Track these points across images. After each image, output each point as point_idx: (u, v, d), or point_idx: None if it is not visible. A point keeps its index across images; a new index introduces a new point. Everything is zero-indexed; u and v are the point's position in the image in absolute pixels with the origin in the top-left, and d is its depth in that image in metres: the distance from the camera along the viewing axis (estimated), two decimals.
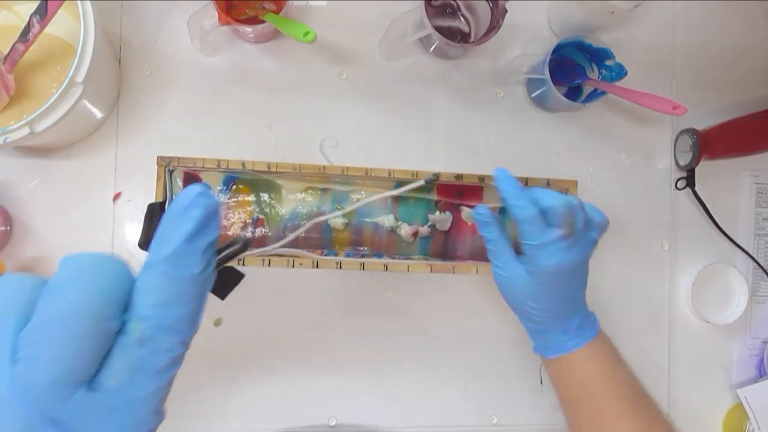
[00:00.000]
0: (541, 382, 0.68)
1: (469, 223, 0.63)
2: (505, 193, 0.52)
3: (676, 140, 0.71)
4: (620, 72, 0.63)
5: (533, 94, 0.68)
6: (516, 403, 0.68)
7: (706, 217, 0.71)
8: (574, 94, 0.68)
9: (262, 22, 0.58)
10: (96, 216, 0.63)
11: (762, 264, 0.72)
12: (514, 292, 0.54)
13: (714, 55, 0.73)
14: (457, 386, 0.68)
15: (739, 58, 0.73)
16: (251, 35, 0.63)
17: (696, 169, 0.69)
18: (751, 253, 0.72)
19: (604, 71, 0.65)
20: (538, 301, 0.52)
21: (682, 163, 0.70)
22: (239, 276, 0.64)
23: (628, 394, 0.53)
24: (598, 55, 0.65)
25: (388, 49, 0.65)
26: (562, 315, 0.53)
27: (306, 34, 0.55)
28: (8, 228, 0.61)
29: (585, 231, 0.53)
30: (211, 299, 0.64)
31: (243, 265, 0.57)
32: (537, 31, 0.69)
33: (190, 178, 0.60)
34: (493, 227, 0.54)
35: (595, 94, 0.65)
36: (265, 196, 0.61)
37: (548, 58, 0.62)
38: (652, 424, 0.52)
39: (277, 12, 0.59)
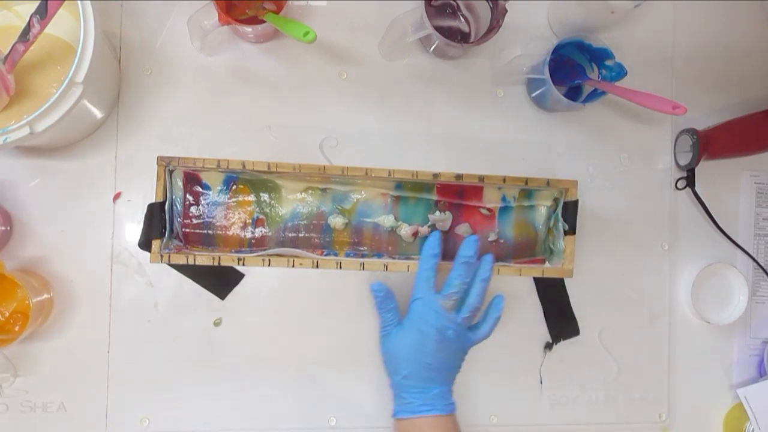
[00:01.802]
0: (541, 382, 0.68)
1: (465, 236, 0.63)
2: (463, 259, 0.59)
3: (676, 140, 0.71)
4: (620, 72, 0.63)
5: (533, 94, 0.68)
6: (516, 403, 0.68)
7: (706, 217, 0.71)
8: (574, 94, 0.68)
9: (262, 22, 0.58)
10: (96, 216, 0.63)
11: (762, 264, 0.72)
12: (395, 350, 0.59)
13: (714, 55, 0.73)
14: (457, 386, 0.67)
15: (739, 58, 0.73)
16: (251, 35, 0.63)
17: (696, 169, 0.69)
18: (751, 253, 0.72)
19: (604, 71, 0.65)
20: (413, 355, 0.58)
21: (682, 163, 0.70)
22: (239, 276, 0.65)
23: None
24: (598, 55, 0.65)
25: (388, 49, 0.65)
26: (428, 379, 0.58)
27: (306, 34, 0.55)
28: (8, 228, 0.61)
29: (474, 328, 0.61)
30: (212, 299, 0.65)
31: (243, 265, 0.57)
32: (537, 31, 0.69)
33: (190, 178, 0.60)
34: (392, 301, 0.61)
35: (595, 94, 0.65)
36: (265, 196, 0.61)
37: (548, 58, 0.62)
38: None
39: (277, 12, 0.59)
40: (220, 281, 0.64)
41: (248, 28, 0.59)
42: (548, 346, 0.68)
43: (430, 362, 0.57)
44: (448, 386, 0.59)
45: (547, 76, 0.62)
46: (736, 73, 0.73)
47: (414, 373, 0.57)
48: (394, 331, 0.60)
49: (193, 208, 0.60)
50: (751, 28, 0.73)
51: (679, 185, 0.71)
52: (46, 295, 0.60)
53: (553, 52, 0.62)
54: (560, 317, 0.68)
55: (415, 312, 0.58)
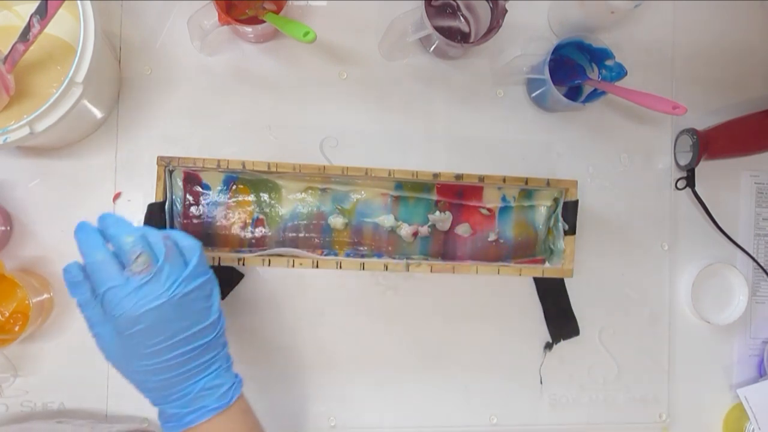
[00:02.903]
0: (541, 382, 0.68)
1: (465, 236, 0.63)
2: (79, 244, 0.46)
3: (676, 140, 0.71)
4: (620, 72, 0.63)
5: (533, 94, 0.68)
6: (516, 403, 0.68)
7: (706, 217, 0.71)
8: (574, 94, 0.68)
9: (262, 22, 0.58)
10: (96, 216, 0.63)
11: (762, 264, 0.72)
12: (112, 355, 0.46)
13: (714, 55, 0.73)
14: (457, 386, 0.67)
15: (739, 58, 0.73)
16: (251, 35, 0.63)
17: (696, 169, 0.69)
18: (751, 253, 0.72)
19: (604, 71, 0.65)
20: (139, 360, 0.45)
21: (682, 163, 0.70)
22: (239, 276, 0.65)
23: None
24: (598, 55, 0.65)
25: (389, 49, 0.65)
26: (181, 375, 0.45)
27: (306, 34, 0.55)
28: (8, 228, 0.61)
29: (174, 264, 0.45)
30: None
31: (243, 265, 0.57)
32: (537, 31, 0.69)
33: (190, 178, 0.60)
34: (84, 287, 0.45)
35: (595, 94, 0.65)
36: (265, 196, 0.61)
37: (548, 58, 0.62)
38: None
39: (277, 12, 0.59)
40: (220, 281, 0.64)
41: (248, 28, 0.59)
42: (548, 346, 0.68)
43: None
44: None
45: (547, 76, 0.62)
46: (736, 73, 0.73)
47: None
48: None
49: (193, 208, 0.60)
50: (751, 28, 0.73)
51: (679, 185, 0.71)
52: (46, 295, 0.60)
53: (553, 52, 0.62)
54: (560, 317, 0.68)
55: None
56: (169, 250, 0.45)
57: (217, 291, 0.49)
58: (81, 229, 0.46)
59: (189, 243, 0.48)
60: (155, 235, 0.46)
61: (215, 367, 0.47)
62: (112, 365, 0.47)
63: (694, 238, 0.72)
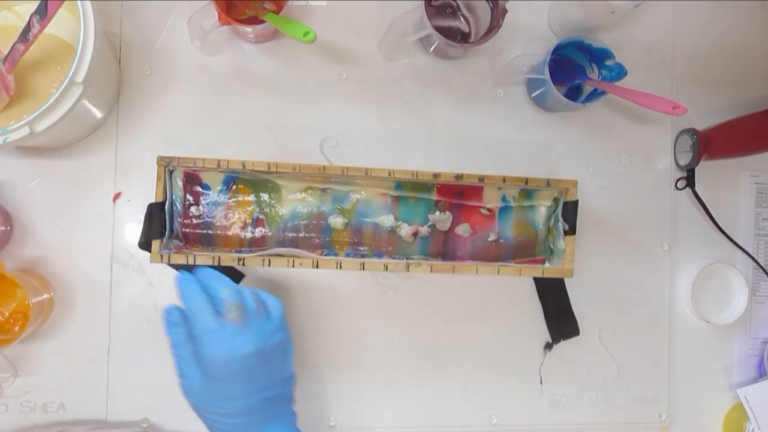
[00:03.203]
0: (541, 382, 0.68)
1: (465, 236, 0.63)
2: (180, 291, 0.51)
3: (676, 140, 0.71)
4: (620, 72, 0.63)
5: (533, 94, 0.68)
6: (516, 403, 0.68)
7: (706, 217, 0.71)
8: (574, 94, 0.68)
9: (262, 22, 0.58)
10: (96, 216, 0.63)
11: (762, 264, 0.72)
12: (194, 395, 0.49)
13: (714, 55, 0.73)
14: (457, 386, 0.67)
15: (739, 58, 0.73)
16: (251, 35, 0.63)
17: (696, 169, 0.69)
18: (751, 253, 0.72)
19: (604, 71, 0.65)
20: (221, 403, 0.48)
21: (682, 163, 0.70)
22: (239, 276, 0.65)
23: None
24: (598, 55, 0.65)
25: (389, 49, 0.65)
26: (253, 422, 0.49)
27: (306, 34, 0.55)
28: (8, 228, 0.61)
29: (261, 317, 0.51)
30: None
31: (243, 265, 0.57)
32: (537, 31, 0.69)
33: (190, 178, 0.60)
34: (180, 329, 0.50)
35: (595, 94, 0.65)
36: (265, 196, 0.61)
37: (548, 58, 0.62)
38: None
39: (277, 12, 0.59)
40: None
41: (248, 28, 0.59)
42: (548, 346, 0.68)
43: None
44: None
45: (547, 76, 0.62)
46: (736, 73, 0.73)
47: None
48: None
49: (193, 208, 0.60)
50: (751, 28, 0.73)
51: (679, 185, 0.71)
52: (46, 295, 0.60)
53: (553, 52, 0.62)
54: (560, 317, 0.68)
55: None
56: (258, 305, 0.51)
57: (292, 349, 0.54)
58: (182, 278, 0.51)
59: (272, 301, 0.53)
60: (246, 290, 0.52)
61: (283, 420, 0.51)
62: (190, 403, 0.51)
63: (694, 238, 0.72)
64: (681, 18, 0.72)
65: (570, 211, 0.61)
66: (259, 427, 0.49)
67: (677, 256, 0.71)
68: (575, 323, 0.68)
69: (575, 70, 0.67)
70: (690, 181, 0.70)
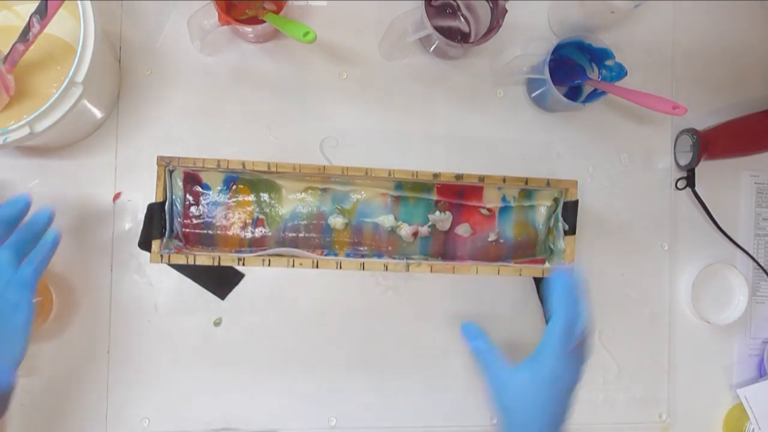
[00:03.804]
0: None
1: (465, 236, 0.63)
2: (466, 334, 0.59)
3: (676, 140, 0.71)
4: (620, 72, 0.63)
5: (533, 94, 0.68)
6: None
7: (706, 217, 0.71)
8: (574, 94, 0.68)
9: (262, 22, 0.58)
10: (96, 216, 0.63)
11: (762, 264, 0.72)
12: (512, 399, 0.52)
13: (714, 55, 0.73)
14: (457, 386, 0.67)
15: (739, 58, 0.73)
16: (251, 35, 0.63)
17: (696, 169, 0.69)
18: (751, 253, 0.72)
19: (604, 71, 0.65)
20: (533, 408, 0.51)
21: (682, 163, 0.70)
22: (239, 275, 0.65)
23: None
24: (598, 55, 0.65)
25: (389, 49, 0.65)
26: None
27: (306, 34, 0.55)
28: None
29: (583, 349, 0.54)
30: (211, 299, 0.65)
31: (243, 265, 0.57)
32: (537, 31, 0.69)
33: (190, 178, 0.60)
34: (483, 339, 0.57)
35: (595, 94, 0.65)
36: (265, 196, 0.61)
37: (548, 58, 0.62)
38: None
39: (277, 12, 0.59)
40: (220, 281, 0.64)
41: (248, 28, 0.59)
42: None
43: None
44: None
45: (547, 76, 0.62)
46: (736, 73, 0.73)
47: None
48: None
49: (193, 208, 0.60)
50: (751, 28, 0.73)
51: (679, 185, 0.71)
52: (46, 296, 0.60)
53: (553, 52, 0.62)
54: None
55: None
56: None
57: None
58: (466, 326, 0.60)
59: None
60: None
61: None
62: (502, 409, 0.54)
63: (694, 238, 0.72)
64: (681, 18, 0.72)
65: (570, 211, 0.61)
66: None
67: (677, 256, 0.71)
68: None
69: (575, 70, 0.67)
70: (690, 181, 0.70)
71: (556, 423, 0.51)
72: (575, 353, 0.52)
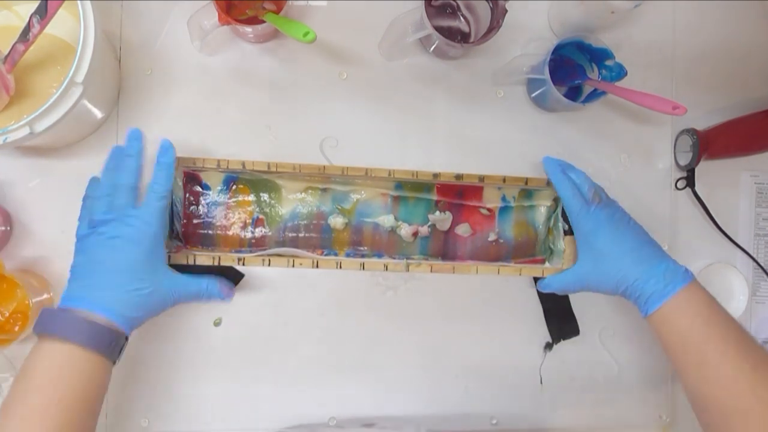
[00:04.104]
0: (541, 382, 0.68)
1: (465, 236, 0.63)
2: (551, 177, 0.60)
3: (676, 140, 0.71)
4: (620, 72, 0.63)
5: (533, 94, 0.68)
6: (516, 403, 0.68)
7: (706, 217, 0.71)
8: (574, 94, 0.68)
9: (262, 22, 0.58)
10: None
11: (762, 264, 0.72)
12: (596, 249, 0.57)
13: (714, 55, 0.73)
14: (458, 387, 0.67)
15: (739, 58, 0.73)
16: (251, 35, 0.63)
17: (696, 169, 0.69)
18: (751, 253, 0.72)
19: (604, 71, 0.65)
20: (612, 246, 0.57)
21: (682, 163, 0.70)
22: (239, 276, 0.65)
23: (731, 335, 0.52)
24: (598, 55, 0.65)
25: (389, 49, 0.65)
26: (641, 260, 0.56)
27: (306, 34, 0.55)
28: (8, 228, 0.61)
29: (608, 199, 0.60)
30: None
31: (243, 264, 0.57)
32: (537, 32, 0.69)
33: (190, 178, 0.60)
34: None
35: (595, 94, 0.65)
36: (265, 196, 0.61)
37: (548, 58, 0.62)
38: (760, 363, 0.51)
39: (277, 12, 0.59)
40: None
41: (248, 28, 0.59)
42: (548, 347, 0.68)
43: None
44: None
45: (547, 76, 0.62)
46: (736, 73, 0.73)
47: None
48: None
49: (193, 208, 0.60)
50: (752, 28, 0.73)
51: (679, 185, 0.71)
52: (46, 295, 0.60)
53: (553, 52, 0.62)
54: (560, 317, 0.68)
55: None
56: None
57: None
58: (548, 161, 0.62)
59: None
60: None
61: (668, 259, 0.57)
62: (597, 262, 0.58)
63: (694, 238, 0.72)
64: (681, 18, 0.72)
65: None
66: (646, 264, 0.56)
67: (677, 256, 0.70)
68: (575, 323, 0.68)
69: (575, 70, 0.67)
70: (690, 181, 0.70)
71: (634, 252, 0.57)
72: (600, 205, 0.58)
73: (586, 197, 0.58)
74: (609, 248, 0.57)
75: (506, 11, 0.59)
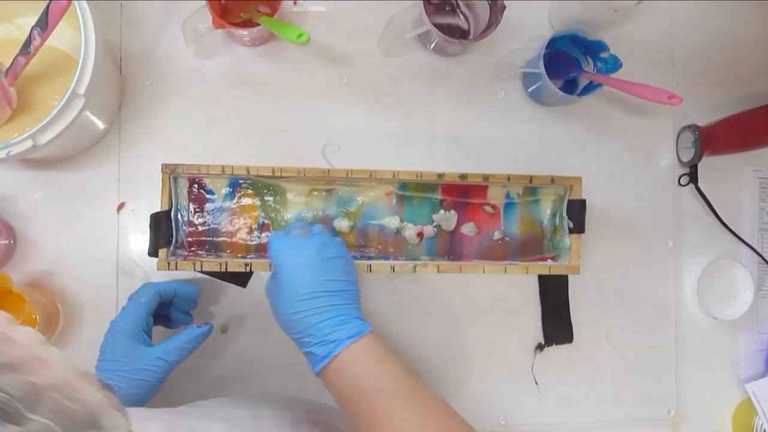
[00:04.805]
0: (536, 383, 0.68)
1: (470, 235, 0.63)
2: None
3: (678, 136, 0.71)
4: (615, 64, 0.63)
5: (529, 89, 0.68)
6: (525, 403, 0.68)
7: (710, 212, 0.71)
8: (570, 87, 0.68)
9: (257, 24, 0.58)
10: (100, 227, 0.63)
11: (767, 258, 0.72)
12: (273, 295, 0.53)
13: (715, 50, 0.73)
14: (466, 387, 0.67)
15: (739, 53, 0.73)
16: (247, 38, 0.63)
17: (699, 165, 0.69)
18: (756, 248, 0.72)
19: (599, 63, 0.65)
20: (289, 295, 0.51)
21: (684, 159, 0.70)
22: (246, 279, 0.64)
23: (402, 387, 0.50)
24: (593, 48, 0.65)
25: (388, 46, 0.65)
26: (317, 311, 0.51)
27: (300, 36, 0.55)
28: (12, 241, 0.61)
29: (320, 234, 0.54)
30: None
31: (250, 270, 0.57)
32: (537, 29, 0.69)
33: (195, 185, 0.60)
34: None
35: (590, 87, 0.65)
36: (270, 201, 0.61)
37: (543, 52, 0.62)
38: (431, 412, 0.50)
39: (271, 15, 0.59)
40: (237, 273, 0.63)
41: (243, 32, 0.59)
42: (539, 348, 0.68)
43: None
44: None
45: (542, 69, 0.62)
46: (737, 69, 0.73)
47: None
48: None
49: (198, 215, 0.60)
50: (752, 24, 0.73)
51: (682, 181, 0.71)
52: (53, 309, 0.60)
53: (547, 46, 0.62)
54: (556, 321, 0.68)
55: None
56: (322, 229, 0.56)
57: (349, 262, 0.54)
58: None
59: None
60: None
61: (350, 309, 0.52)
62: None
63: (698, 234, 0.72)
64: (681, 14, 0.72)
65: (576, 210, 0.61)
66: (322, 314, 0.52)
67: (682, 253, 0.71)
68: (570, 330, 0.68)
69: (570, 63, 0.67)
70: (693, 177, 0.70)
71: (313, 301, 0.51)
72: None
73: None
74: (292, 285, 0.52)
75: (504, 8, 0.59)
